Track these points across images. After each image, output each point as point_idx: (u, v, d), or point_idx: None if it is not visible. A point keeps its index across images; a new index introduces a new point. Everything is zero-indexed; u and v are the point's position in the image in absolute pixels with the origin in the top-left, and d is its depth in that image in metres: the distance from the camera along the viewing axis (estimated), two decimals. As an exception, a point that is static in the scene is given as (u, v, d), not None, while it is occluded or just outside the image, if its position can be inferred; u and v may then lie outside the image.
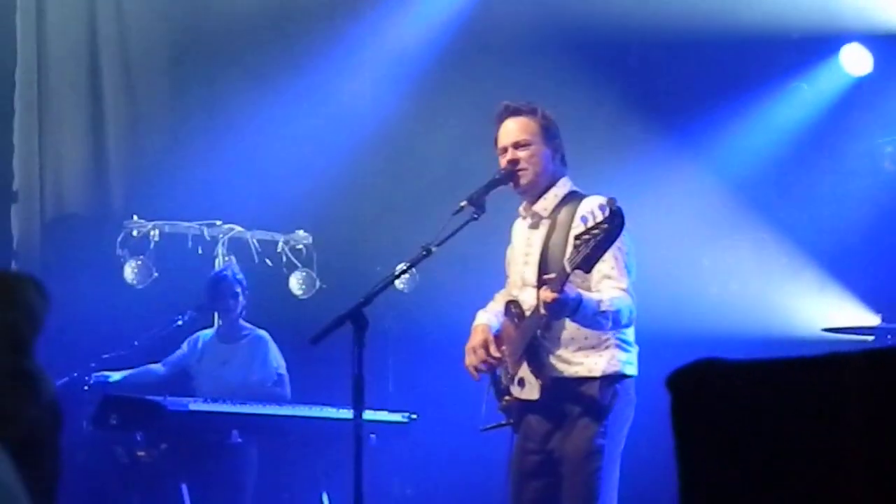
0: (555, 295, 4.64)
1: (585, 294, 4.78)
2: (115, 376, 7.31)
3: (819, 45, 7.56)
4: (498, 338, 5.22)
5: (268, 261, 8.35)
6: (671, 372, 1.46)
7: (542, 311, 4.76)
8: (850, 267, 7.30)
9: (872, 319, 6.97)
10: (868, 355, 1.44)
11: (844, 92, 7.50)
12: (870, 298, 7.18)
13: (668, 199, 7.31)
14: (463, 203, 5.06)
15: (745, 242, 7.50)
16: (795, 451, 1.43)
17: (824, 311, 7.14)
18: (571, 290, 4.72)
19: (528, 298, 5.09)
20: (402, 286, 8.00)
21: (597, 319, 4.83)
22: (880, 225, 7.24)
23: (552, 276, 4.74)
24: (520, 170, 5.14)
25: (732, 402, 1.43)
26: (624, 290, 4.93)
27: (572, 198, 5.14)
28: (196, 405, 6.67)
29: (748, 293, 7.30)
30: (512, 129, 5.21)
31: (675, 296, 6.88)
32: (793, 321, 7.03)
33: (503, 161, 5.19)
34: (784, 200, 7.53)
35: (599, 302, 4.81)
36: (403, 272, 5.38)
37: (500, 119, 5.24)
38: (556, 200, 5.17)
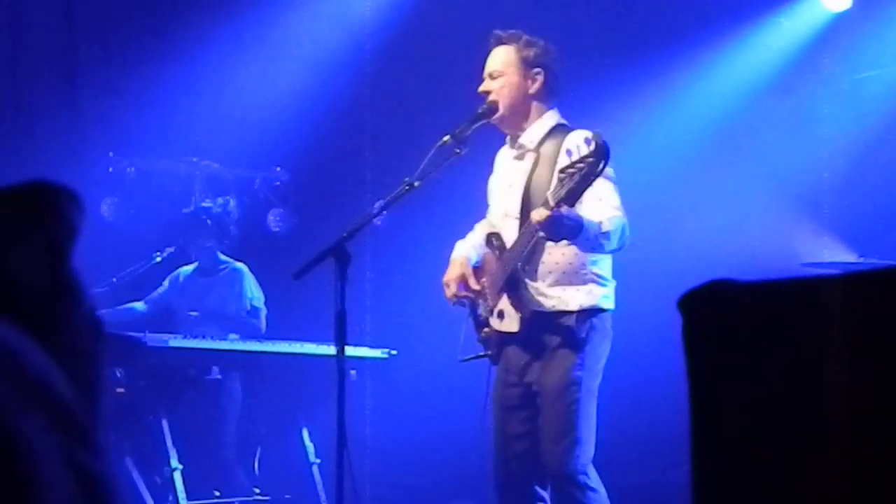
0: (547, 212, 4.61)
1: (586, 217, 4.77)
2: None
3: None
4: (479, 269, 5.22)
5: (245, 198, 8.31)
6: (682, 294, 1.47)
7: (540, 232, 4.73)
8: (828, 203, 7.33)
9: (850, 256, 7.02)
10: (847, 278, 1.46)
11: (823, 27, 7.49)
12: (847, 235, 7.22)
13: (646, 132, 7.30)
14: (446, 137, 5.04)
15: (722, 180, 7.51)
16: (793, 374, 1.45)
17: (803, 248, 7.16)
18: (572, 212, 4.69)
19: (510, 230, 5.08)
20: (378, 222, 7.98)
21: (599, 241, 4.81)
22: (858, 161, 7.26)
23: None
24: (491, 101, 5.14)
25: (743, 323, 1.44)
26: (616, 208, 4.92)
27: (559, 130, 5.11)
28: (176, 341, 6.66)
29: (725, 228, 7.31)
30: (491, 59, 5.20)
31: (651, 231, 6.89)
32: (772, 256, 7.05)
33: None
34: (761, 135, 7.53)
35: (600, 223, 4.79)
36: (385, 207, 5.36)
37: (489, 48, 5.23)
38: (543, 133, 5.14)
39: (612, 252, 4.97)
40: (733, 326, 1.45)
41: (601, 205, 4.88)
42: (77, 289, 1.06)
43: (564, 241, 4.83)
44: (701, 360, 1.45)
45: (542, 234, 4.74)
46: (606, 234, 4.81)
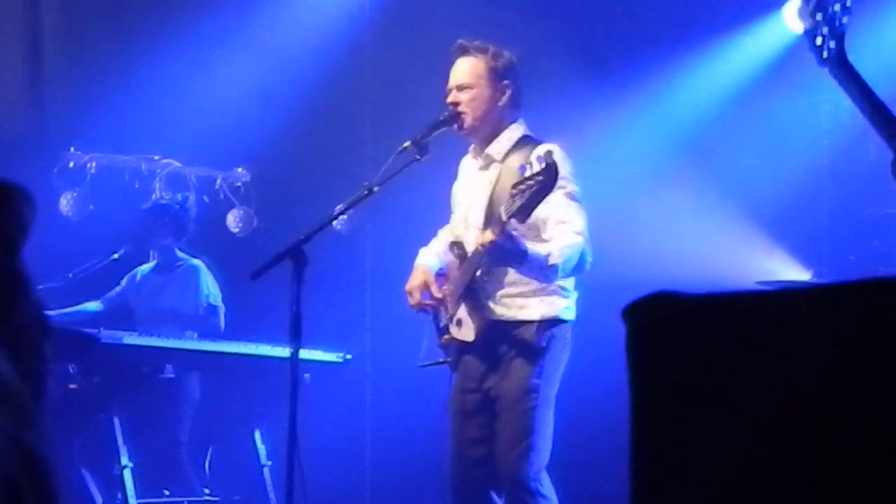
0: (492, 237, 4.67)
1: (532, 248, 4.79)
2: (51, 314, 7.25)
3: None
4: (443, 276, 5.24)
5: (205, 197, 8.30)
6: (627, 304, 1.48)
7: (480, 249, 4.80)
8: (785, 222, 7.38)
9: (804, 275, 7.07)
10: (814, 291, 1.47)
11: (786, 48, 7.54)
12: (802, 254, 7.27)
13: (607, 148, 7.33)
14: (406, 143, 5.06)
15: (681, 194, 7.55)
16: (748, 386, 1.46)
17: (758, 264, 7.21)
18: (519, 242, 4.73)
19: (472, 239, 5.10)
20: (339, 226, 7.98)
21: (545, 273, 4.88)
22: (815, 181, 7.32)
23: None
24: (460, 112, 5.14)
25: (688, 335, 1.45)
26: (579, 232, 4.95)
27: (526, 143, 5.12)
28: (130, 338, 6.64)
29: (683, 244, 7.35)
30: (457, 70, 5.19)
31: (610, 245, 6.91)
32: (727, 273, 7.08)
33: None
34: (722, 153, 7.57)
35: (548, 256, 4.82)
36: (344, 211, 5.37)
37: (453, 57, 5.22)
38: (510, 144, 5.15)
39: (566, 277, 5.00)
40: (676, 337, 1.46)
41: (563, 228, 4.92)
42: (26, 281, 1.07)
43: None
44: (642, 369, 1.46)
45: (480, 251, 4.79)
46: (554, 267, 4.85)
